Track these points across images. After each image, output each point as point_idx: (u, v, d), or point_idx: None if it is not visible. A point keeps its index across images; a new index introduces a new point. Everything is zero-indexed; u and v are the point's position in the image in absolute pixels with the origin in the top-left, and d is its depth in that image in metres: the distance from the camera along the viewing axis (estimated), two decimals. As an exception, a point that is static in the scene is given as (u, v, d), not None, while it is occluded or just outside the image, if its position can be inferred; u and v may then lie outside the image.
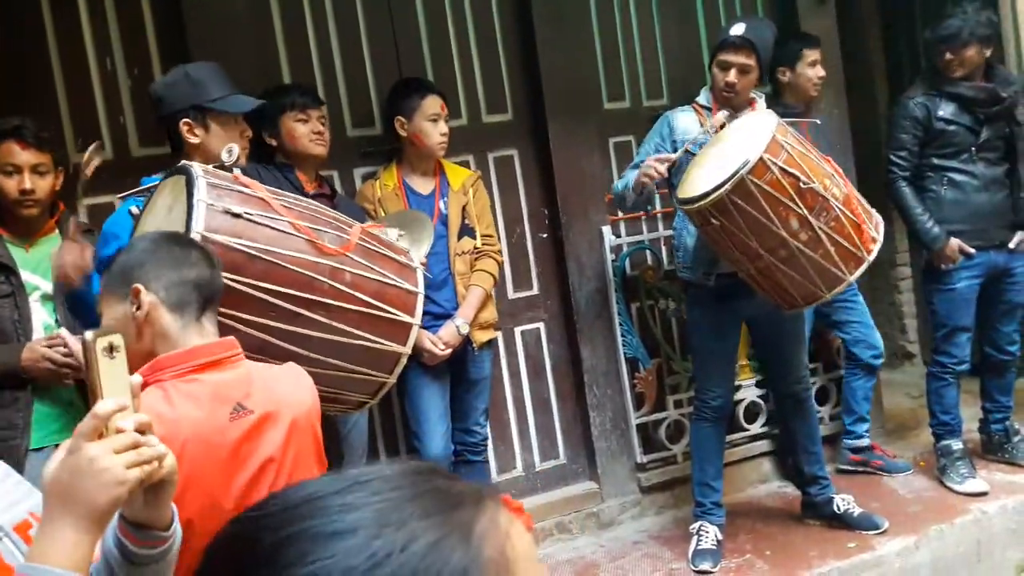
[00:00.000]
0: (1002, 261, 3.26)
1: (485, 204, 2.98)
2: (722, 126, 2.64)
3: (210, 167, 1.80)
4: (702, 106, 2.89)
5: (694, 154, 2.71)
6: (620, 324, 3.39)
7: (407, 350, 1.89)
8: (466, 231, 2.91)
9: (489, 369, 2.98)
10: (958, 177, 3.21)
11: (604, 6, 3.47)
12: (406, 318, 1.88)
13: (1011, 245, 3.25)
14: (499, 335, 3.17)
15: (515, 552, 0.52)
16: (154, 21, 2.83)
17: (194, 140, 2.06)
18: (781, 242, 2.37)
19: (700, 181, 2.44)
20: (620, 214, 3.43)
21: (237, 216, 1.67)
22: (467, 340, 2.85)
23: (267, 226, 1.72)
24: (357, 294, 1.80)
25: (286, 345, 1.72)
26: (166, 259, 1.41)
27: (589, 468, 3.42)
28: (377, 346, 1.84)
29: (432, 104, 2.81)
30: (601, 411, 3.37)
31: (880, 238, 2.48)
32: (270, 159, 2.69)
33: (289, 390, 1.48)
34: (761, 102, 2.87)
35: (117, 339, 0.94)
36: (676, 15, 3.60)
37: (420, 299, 1.91)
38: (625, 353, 3.39)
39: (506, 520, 0.53)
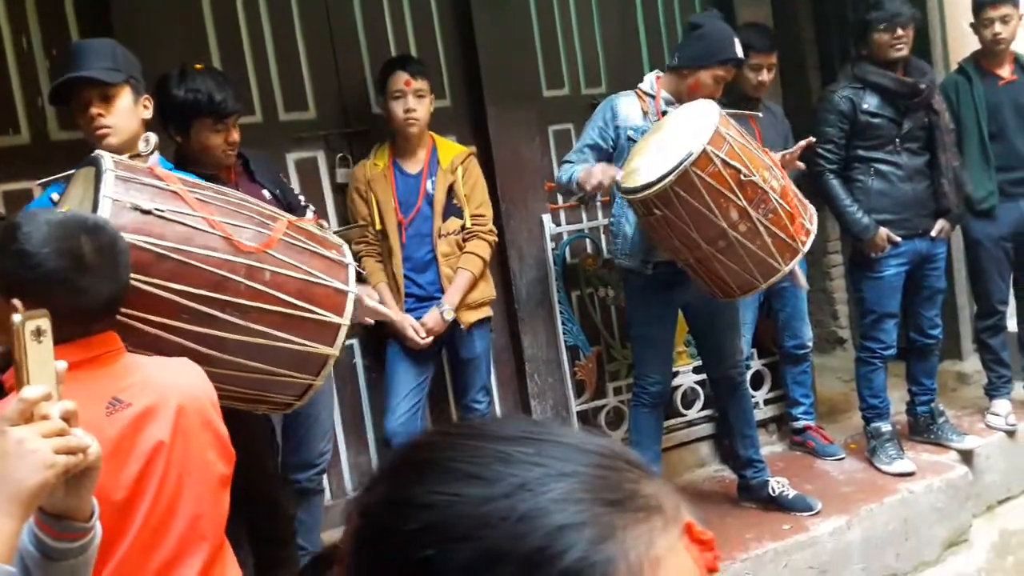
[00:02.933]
0: (925, 248, 3.36)
1: (476, 183, 2.93)
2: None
3: (124, 158, 1.72)
4: (645, 92, 2.89)
5: (635, 140, 2.71)
6: (561, 312, 3.39)
7: (335, 352, 1.83)
8: (452, 211, 2.88)
9: (482, 347, 2.96)
10: (884, 168, 3.29)
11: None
12: (334, 318, 1.81)
13: (933, 233, 3.35)
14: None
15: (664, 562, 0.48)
16: (74, -1, 2.70)
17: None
18: (721, 233, 2.40)
19: (643, 171, 2.44)
20: (560, 202, 3.42)
21: (146, 212, 1.60)
22: (455, 322, 2.85)
23: (179, 223, 1.64)
24: (278, 294, 1.73)
25: (199, 348, 1.65)
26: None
27: (530, 457, 3.42)
28: (301, 348, 1.77)
29: (395, 81, 2.77)
30: (542, 399, 3.37)
31: (814, 229, 2.53)
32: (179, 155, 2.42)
33: (173, 376, 1.46)
34: (699, 105, 2.89)
35: (45, 323, 0.93)
36: (614, 3, 3.60)
37: (351, 298, 1.85)
38: (566, 341, 3.40)
39: (667, 544, 0.49)
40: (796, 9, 4.79)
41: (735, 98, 3.37)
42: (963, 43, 4.06)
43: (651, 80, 2.91)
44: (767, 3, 3.74)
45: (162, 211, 1.63)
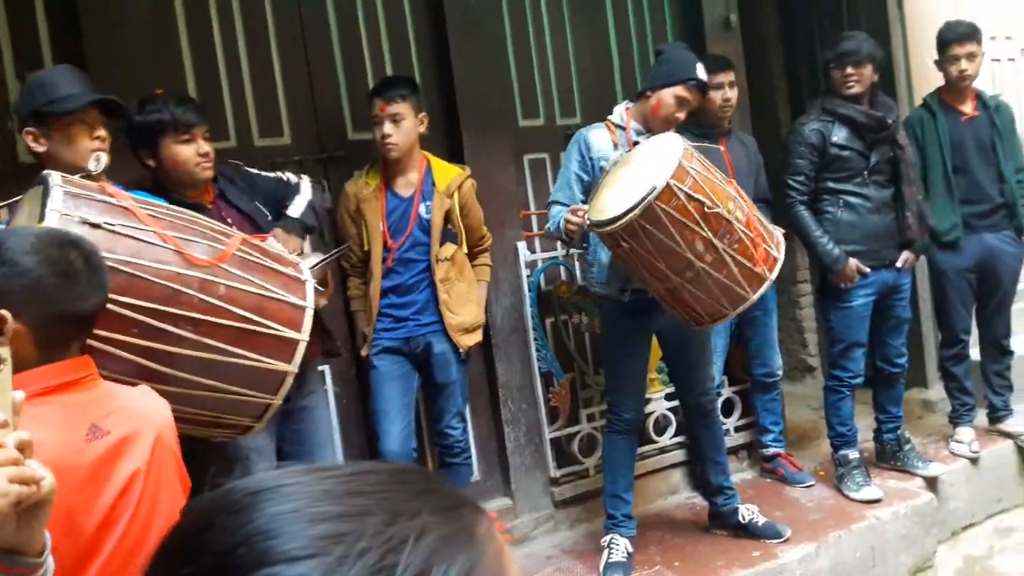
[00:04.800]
0: (891, 279, 3.43)
1: (474, 207, 2.97)
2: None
3: (75, 177, 1.70)
4: (615, 124, 2.93)
5: (605, 171, 2.75)
6: (535, 339, 3.40)
7: (293, 368, 1.78)
8: (448, 236, 2.89)
9: (458, 373, 2.95)
10: (853, 200, 3.35)
11: (518, 25, 3.49)
12: (291, 334, 1.78)
13: (898, 264, 3.42)
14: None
15: (508, 560, 0.52)
16: (47, 21, 2.68)
17: (39, 149, 1.93)
18: (687, 264, 2.43)
19: (610, 204, 2.48)
20: (535, 230, 3.45)
21: (95, 226, 1.58)
22: (429, 346, 2.86)
23: (129, 236, 1.62)
24: (232, 308, 1.69)
25: (150, 364, 1.61)
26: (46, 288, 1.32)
27: (503, 484, 3.41)
28: (258, 364, 1.73)
29: (372, 107, 2.79)
30: (515, 426, 3.37)
31: (781, 257, 2.57)
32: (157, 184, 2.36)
33: (150, 404, 1.44)
34: (667, 137, 2.94)
35: (4, 351, 0.90)
36: (588, 35, 3.66)
37: (309, 313, 1.81)
38: (539, 367, 3.41)
39: (495, 530, 0.54)
40: (766, 43, 4.91)
41: (704, 126, 3.44)
42: (926, 79, 4.19)
43: (620, 111, 2.95)
44: (737, 38, 3.82)
45: (112, 225, 1.60)
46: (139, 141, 2.30)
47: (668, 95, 2.82)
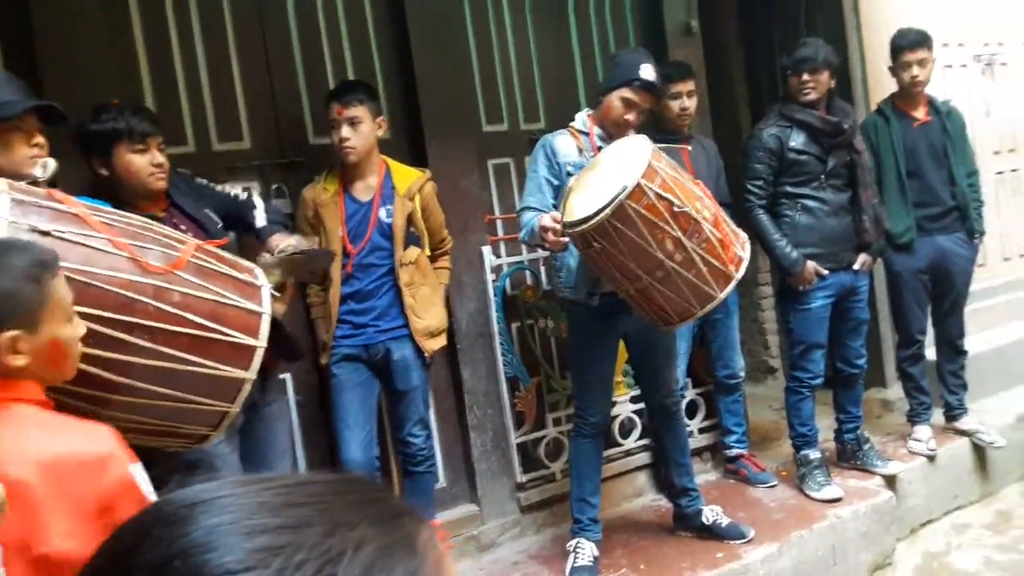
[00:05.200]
0: (849, 281, 3.48)
1: (435, 209, 2.95)
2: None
3: (21, 183, 1.66)
4: (578, 130, 2.95)
5: (573, 175, 2.76)
6: (500, 343, 3.40)
7: (251, 375, 1.75)
8: (412, 240, 2.87)
9: (419, 379, 2.92)
10: (810, 203, 3.41)
11: (480, 30, 3.49)
12: (249, 340, 1.75)
13: (856, 266, 3.48)
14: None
15: (449, 570, 0.53)
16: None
17: None
18: (658, 263, 2.45)
19: (580, 205, 2.49)
20: (500, 234, 3.45)
21: (45, 234, 1.54)
22: (388, 352, 2.84)
23: (81, 244, 1.58)
24: (188, 315, 1.67)
25: (105, 374, 1.57)
26: None
27: (469, 490, 3.40)
28: (215, 372, 1.70)
29: (330, 111, 2.77)
30: (482, 432, 3.37)
31: (747, 257, 2.60)
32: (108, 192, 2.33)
33: (17, 444, 1.27)
34: (633, 139, 2.96)
35: None
36: (552, 40, 3.67)
37: (265, 319, 1.78)
38: (506, 372, 3.41)
39: (437, 540, 0.54)
40: (727, 49, 4.97)
41: (664, 132, 3.47)
42: (882, 84, 4.27)
43: (583, 117, 2.97)
44: (698, 43, 3.86)
45: (62, 232, 1.56)
46: (93, 149, 2.26)
47: (615, 98, 2.84)
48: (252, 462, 2.55)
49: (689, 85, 3.46)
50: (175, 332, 1.65)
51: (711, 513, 3.18)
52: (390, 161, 2.91)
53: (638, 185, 2.36)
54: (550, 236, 2.57)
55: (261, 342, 1.77)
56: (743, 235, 2.67)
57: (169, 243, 1.74)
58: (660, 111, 3.45)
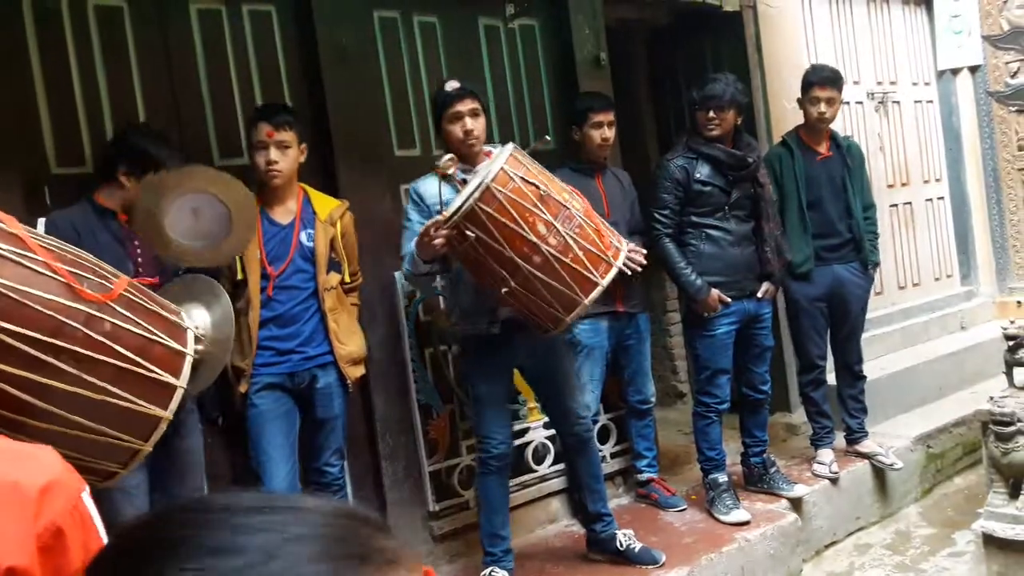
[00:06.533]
0: (753, 309, 3.59)
1: (351, 238, 2.93)
2: (448, 167, 2.76)
3: None
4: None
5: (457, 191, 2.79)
6: (414, 371, 3.37)
7: (168, 415, 1.74)
8: (333, 265, 2.83)
9: (340, 407, 2.87)
10: (714, 233, 3.51)
11: (392, 57, 3.49)
12: (171, 379, 1.74)
13: (759, 294, 3.59)
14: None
15: None
16: None
17: None
18: (533, 247, 2.48)
19: (454, 203, 2.55)
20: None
21: None
22: (314, 380, 2.79)
23: (16, 263, 1.56)
24: (116, 347, 1.64)
25: (23, 396, 1.52)
26: None
27: (380, 520, 3.33)
28: (134, 407, 1.68)
29: (258, 132, 2.75)
30: (394, 461, 3.31)
31: (623, 247, 2.64)
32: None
33: None
34: (496, 150, 3.00)
35: None
36: (464, 67, 3.68)
37: (188, 361, 1.78)
38: (418, 399, 3.37)
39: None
40: (636, 84, 5.12)
41: (583, 163, 3.54)
42: (784, 119, 4.47)
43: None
44: (607, 77, 3.95)
45: (0, 249, 1.53)
46: (127, 163, 2.51)
47: (445, 124, 2.90)
48: (161, 493, 2.51)
49: (609, 116, 3.54)
50: (101, 361, 1.63)
51: (624, 538, 3.20)
52: (308, 188, 2.90)
53: (502, 170, 2.44)
54: (430, 234, 2.53)
55: (182, 383, 1.76)
56: (616, 233, 2.71)
57: (103, 274, 1.74)
58: (581, 140, 3.52)
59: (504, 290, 2.59)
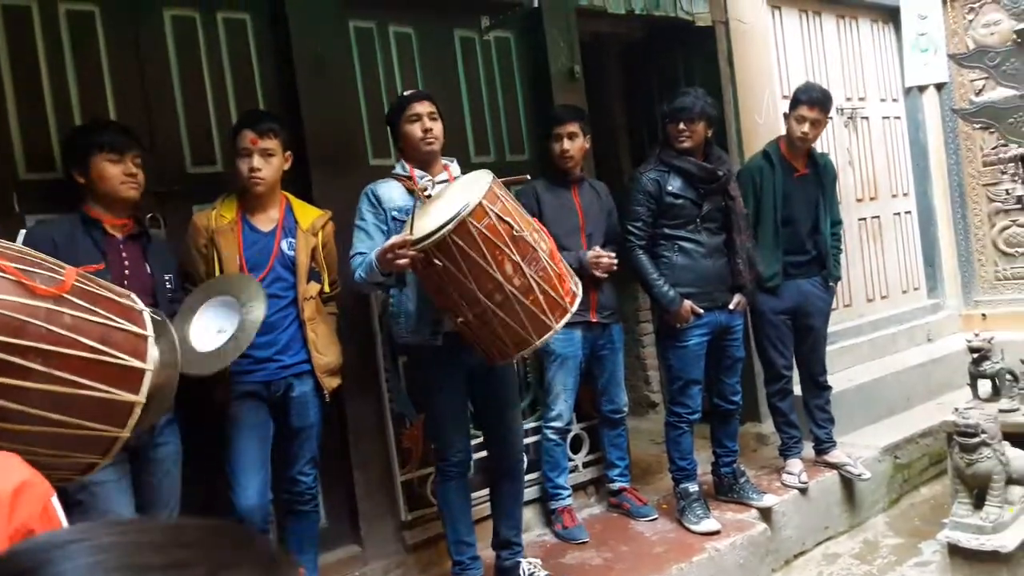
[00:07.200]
0: (724, 320, 3.63)
1: (332, 249, 2.92)
2: (424, 190, 2.81)
3: None
4: (401, 176, 2.96)
5: (401, 220, 2.79)
6: (387, 380, 3.36)
7: (141, 399, 1.73)
8: (313, 275, 2.81)
9: (316, 417, 2.85)
10: (687, 245, 3.55)
11: (367, 66, 3.50)
12: (137, 363, 1.73)
13: (731, 306, 3.63)
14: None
15: None
16: None
17: None
18: (497, 286, 2.48)
19: (425, 227, 2.51)
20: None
21: None
22: (288, 388, 2.77)
23: None
24: (80, 338, 1.64)
25: (1, 402, 1.52)
26: None
27: (351, 530, 3.32)
28: (107, 396, 1.68)
29: (242, 139, 2.74)
30: (366, 470, 3.30)
31: (580, 293, 2.65)
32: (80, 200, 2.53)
33: None
34: (454, 165, 3.03)
35: None
36: (439, 77, 3.71)
37: (151, 342, 1.78)
38: (392, 408, 3.36)
39: None
40: (609, 97, 5.16)
41: (557, 174, 3.57)
42: (755, 133, 4.53)
43: (401, 164, 3.01)
44: (582, 90, 3.99)
45: None
46: (72, 157, 2.54)
47: (403, 127, 2.94)
48: (137, 505, 2.48)
49: (570, 127, 3.54)
50: (68, 355, 1.62)
51: (528, 566, 3.11)
52: (291, 197, 2.89)
53: (480, 204, 2.42)
54: (395, 252, 2.50)
55: (150, 365, 1.76)
56: (576, 278, 2.71)
57: (51, 267, 1.72)
58: (552, 151, 3.55)
59: (460, 319, 2.59)
